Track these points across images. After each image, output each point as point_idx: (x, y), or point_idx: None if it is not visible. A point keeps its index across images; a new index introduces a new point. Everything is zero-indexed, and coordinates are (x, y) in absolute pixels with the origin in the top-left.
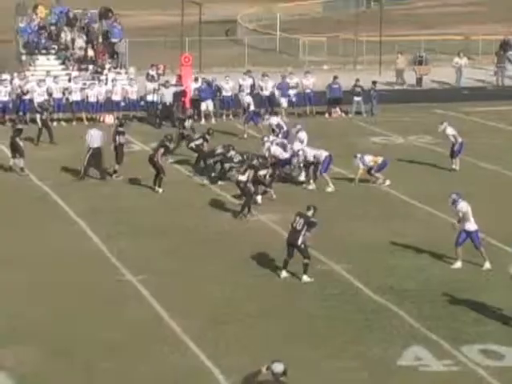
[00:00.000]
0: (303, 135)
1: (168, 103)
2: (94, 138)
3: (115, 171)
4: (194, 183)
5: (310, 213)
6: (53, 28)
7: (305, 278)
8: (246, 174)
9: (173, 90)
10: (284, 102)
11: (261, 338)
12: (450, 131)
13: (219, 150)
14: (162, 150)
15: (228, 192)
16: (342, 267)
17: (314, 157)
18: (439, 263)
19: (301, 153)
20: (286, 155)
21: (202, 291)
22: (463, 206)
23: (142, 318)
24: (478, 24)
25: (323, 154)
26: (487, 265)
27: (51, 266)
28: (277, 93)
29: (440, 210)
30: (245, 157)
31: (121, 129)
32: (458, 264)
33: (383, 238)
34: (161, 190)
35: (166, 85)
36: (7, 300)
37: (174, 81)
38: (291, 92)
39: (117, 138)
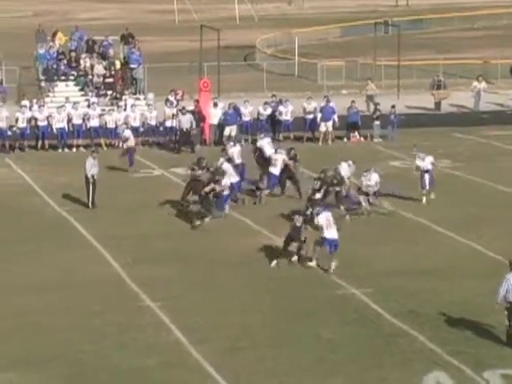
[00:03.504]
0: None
1: (185, 129)
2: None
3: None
4: None
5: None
6: (72, 54)
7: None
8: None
9: (190, 116)
10: (324, 126)
11: (281, 364)
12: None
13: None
14: (211, 186)
15: (246, 217)
16: (362, 292)
17: None
18: (460, 287)
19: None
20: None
21: (222, 316)
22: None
23: (161, 343)
24: (496, 48)
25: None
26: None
27: (71, 291)
28: (319, 116)
29: (460, 234)
30: None
31: (194, 166)
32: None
33: (403, 263)
34: (198, 223)
35: (182, 111)
36: (26, 326)
37: (192, 106)
38: (335, 117)
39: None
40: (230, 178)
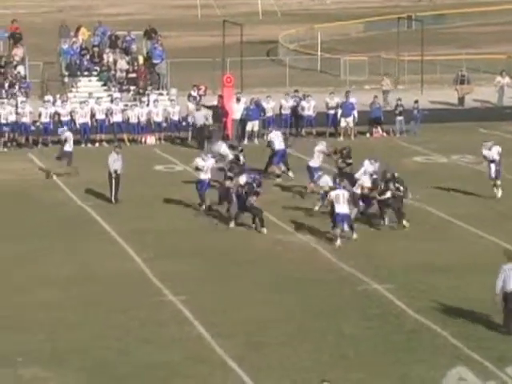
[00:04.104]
0: None
1: (199, 125)
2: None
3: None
4: None
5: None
6: (95, 49)
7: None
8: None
9: (204, 112)
10: (344, 121)
11: (304, 360)
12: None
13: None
14: (254, 198)
15: (270, 213)
16: (385, 287)
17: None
18: (484, 283)
19: None
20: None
21: (244, 312)
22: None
23: (184, 338)
24: None
25: None
26: None
27: (94, 286)
28: (339, 112)
29: (483, 229)
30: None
31: (230, 174)
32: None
33: (426, 258)
34: (265, 230)
35: (197, 108)
36: (50, 320)
37: (215, 101)
38: (355, 112)
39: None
40: (202, 175)
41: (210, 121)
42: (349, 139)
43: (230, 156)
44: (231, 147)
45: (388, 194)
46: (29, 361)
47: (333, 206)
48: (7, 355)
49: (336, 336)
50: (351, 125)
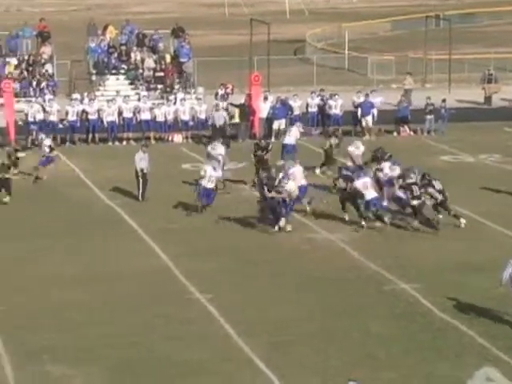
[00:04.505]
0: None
1: (218, 125)
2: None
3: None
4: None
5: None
6: (123, 48)
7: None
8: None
9: (223, 112)
10: (364, 120)
11: (330, 359)
12: None
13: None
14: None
15: (296, 211)
16: (412, 287)
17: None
18: None
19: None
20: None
21: (271, 310)
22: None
23: (210, 336)
24: None
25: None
26: None
27: (120, 284)
28: (359, 111)
29: (510, 228)
30: None
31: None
32: None
33: (453, 257)
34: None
35: (216, 108)
36: (75, 319)
37: (242, 99)
38: (374, 111)
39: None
40: (208, 184)
41: (236, 119)
42: (374, 138)
43: (221, 160)
44: (257, 146)
45: (423, 198)
46: (56, 358)
47: (360, 195)
48: (34, 353)
49: (363, 335)
50: (370, 124)
